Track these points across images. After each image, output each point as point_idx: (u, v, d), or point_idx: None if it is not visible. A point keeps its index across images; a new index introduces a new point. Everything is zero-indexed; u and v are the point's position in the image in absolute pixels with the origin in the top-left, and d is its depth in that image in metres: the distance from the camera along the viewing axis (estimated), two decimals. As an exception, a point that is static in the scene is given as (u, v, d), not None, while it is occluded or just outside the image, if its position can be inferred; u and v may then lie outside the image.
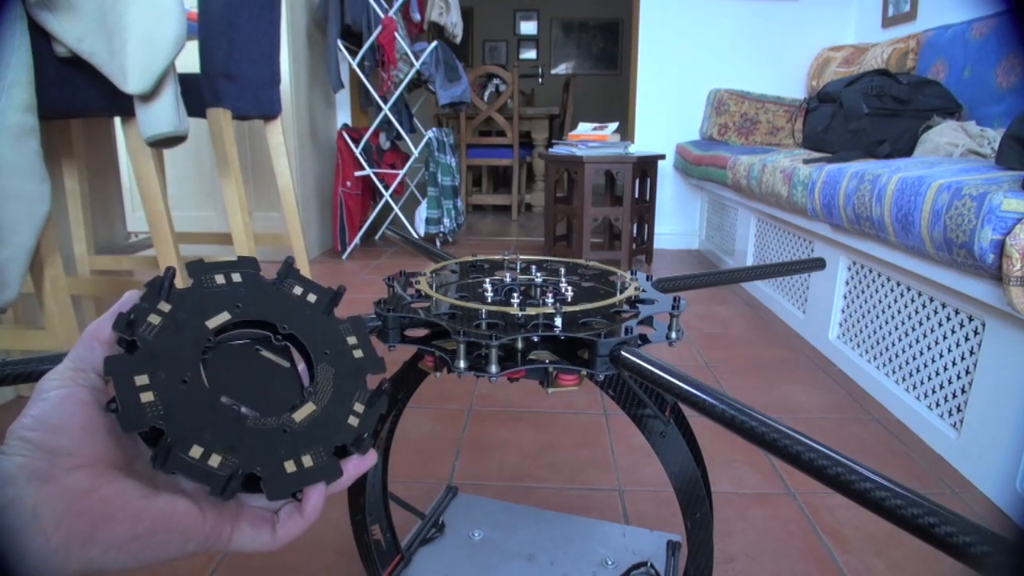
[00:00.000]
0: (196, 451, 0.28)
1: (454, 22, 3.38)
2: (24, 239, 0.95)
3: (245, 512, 0.32)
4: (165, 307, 0.31)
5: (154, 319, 0.31)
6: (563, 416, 1.34)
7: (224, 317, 0.33)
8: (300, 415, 0.32)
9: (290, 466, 0.30)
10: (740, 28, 3.06)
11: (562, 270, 0.63)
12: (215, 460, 0.28)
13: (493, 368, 0.44)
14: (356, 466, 0.33)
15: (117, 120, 1.45)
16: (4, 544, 0.25)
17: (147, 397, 0.28)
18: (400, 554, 0.76)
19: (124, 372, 0.28)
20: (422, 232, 3.04)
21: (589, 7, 7.18)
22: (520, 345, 0.46)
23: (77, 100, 1.11)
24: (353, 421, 0.33)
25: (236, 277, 0.34)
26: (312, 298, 0.36)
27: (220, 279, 0.34)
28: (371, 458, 0.34)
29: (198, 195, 2.72)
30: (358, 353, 0.36)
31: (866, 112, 1.93)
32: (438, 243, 3.04)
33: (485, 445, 1.21)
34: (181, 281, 0.32)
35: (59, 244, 1.09)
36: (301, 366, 0.35)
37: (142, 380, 0.29)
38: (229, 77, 1.34)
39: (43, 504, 0.25)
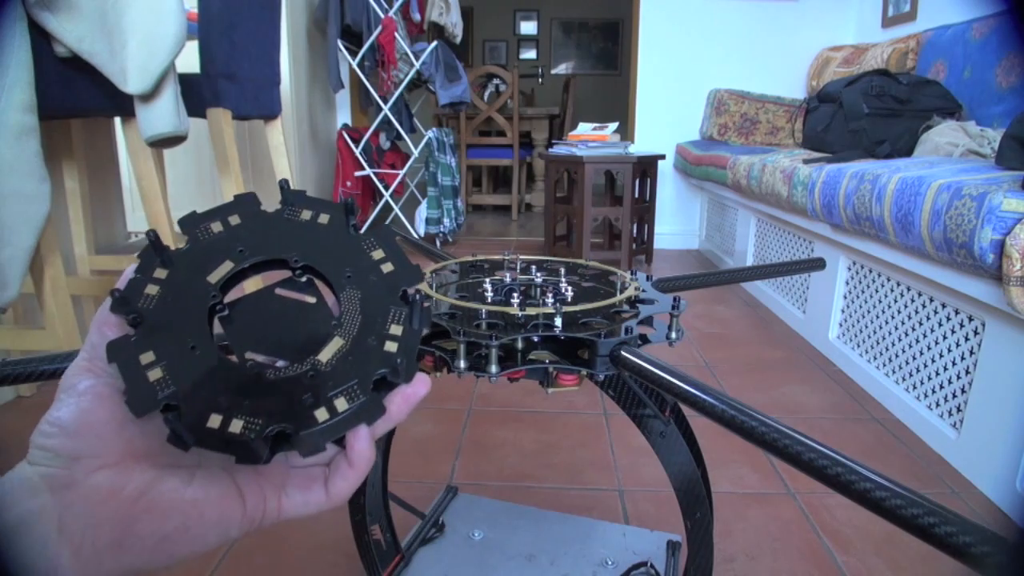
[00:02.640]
0: (215, 420, 0.26)
1: (454, 22, 3.39)
2: (24, 239, 0.95)
3: (292, 476, 0.29)
4: (162, 273, 0.29)
5: (151, 289, 0.28)
6: (563, 416, 1.34)
7: (227, 267, 0.29)
8: (326, 354, 0.28)
9: (322, 414, 0.27)
10: (740, 28, 3.06)
11: (562, 270, 0.63)
12: (236, 426, 0.26)
13: (493, 368, 0.44)
14: (405, 399, 0.29)
15: (117, 120, 1.45)
16: (35, 555, 0.24)
17: (155, 374, 0.26)
18: (400, 554, 0.76)
19: (127, 354, 0.26)
20: (422, 232, 3.04)
21: (589, 7, 7.18)
22: (520, 345, 0.46)
23: (77, 100, 1.11)
24: (391, 347, 0.29)
25: (234, 219, 0.31)
26: (324, 218, 0.32)
27: (217, 226, 0.30)
28: (421, 386, 0.29)
29: (198, 195, 2.72)
30: (387, 267, 0.31)
31: (866, 112, 1.93)
32: (438, 243, 3.04)
33: (485, 445, 1.21)
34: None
35: (59, 244, 1.09)
36: (334, 299, 0.31)
37: (148, 358, 0.26)
38: (229, 77, 1.34)
39: (68, 514, 0.24)
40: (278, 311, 0.30)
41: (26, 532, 0.24)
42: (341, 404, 0.27)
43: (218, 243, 0.30)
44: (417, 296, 0.30)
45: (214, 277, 0.29)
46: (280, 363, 0.29)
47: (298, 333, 0.29)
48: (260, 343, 0.29)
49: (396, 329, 0.29)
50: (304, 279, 0.31)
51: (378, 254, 0.31)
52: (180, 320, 0.28)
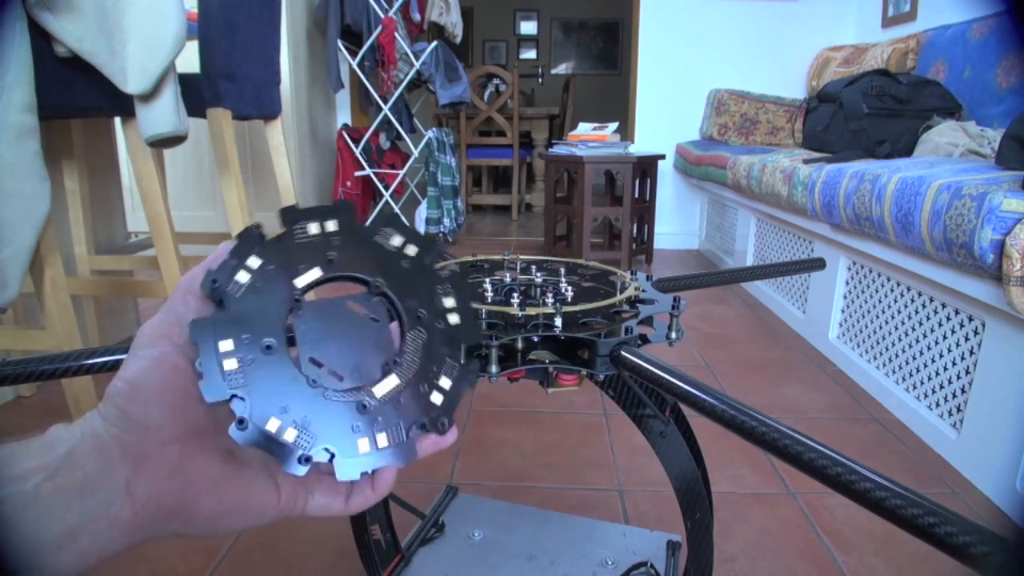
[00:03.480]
0: (273, 424, 0.28)
1: (454, 22, 3.39)
2: (24, 239, 0.95)
3: (321, 481, 0.32)
4: (255, 262, 0.30)
5: (242, 276, 0.29)
6: (563, 416, 1.34)
7: (315, 274, 0.31)
8: (381, 389, 0.30)
9: (364, 445, 0.29)
10: (740, 28, 3.06)
11: (562, 270, 0.63)
12: (290, 434, 0.28)
13: (493, 368, 0.44)
14: (433, 444, 0.32)
15: (117, 120, 1.45)
16: (97, 512, 0.26)
17: (230, 364, 0.28)
18: (400, 554, 0.76)
19: (208, 337, 0.28)
20: (422, 232, 3.03)
21: (589, 7, 7.18)
22: (520, 345, 0.46)
23: (77, 100, 1.11)
24: (436, 398, 0.31)
25: (331, 225, 0.32)
26: (412, 250, 0.33)
27: (314, 228, 0.31)
28: (450, 436, 0.32)
29: (198, 195, 2.72)
30: (454, 319, 0.33)
31: (866, 112, 1.93)
32: (445, 246, 3.04)
33: (485, 445, 1.21)
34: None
35: (59, 244, 1.08)
36: (395, 323, 0.32)
37: (226, 346, 0.28)
38: (229, 77, 1.34)
39: (135, 481, 0.27)
40: (345, 324, 0.31)
41: (95, 488, 0.26)
42: (382, 440, 0.30)
43: (311, 246, 0.31)
44: (470, 363, 0.32)
45: (301, 281, 0.30)
46: (325, 368, 0.30)
47: (357, 351, 0.31)
48: (322, 351, 0.30)
49: (445, 382, 0.32)
50: (376, 301, 0.32)
51: (449, 302, 0.33)
52: (262, 316, 0.29)
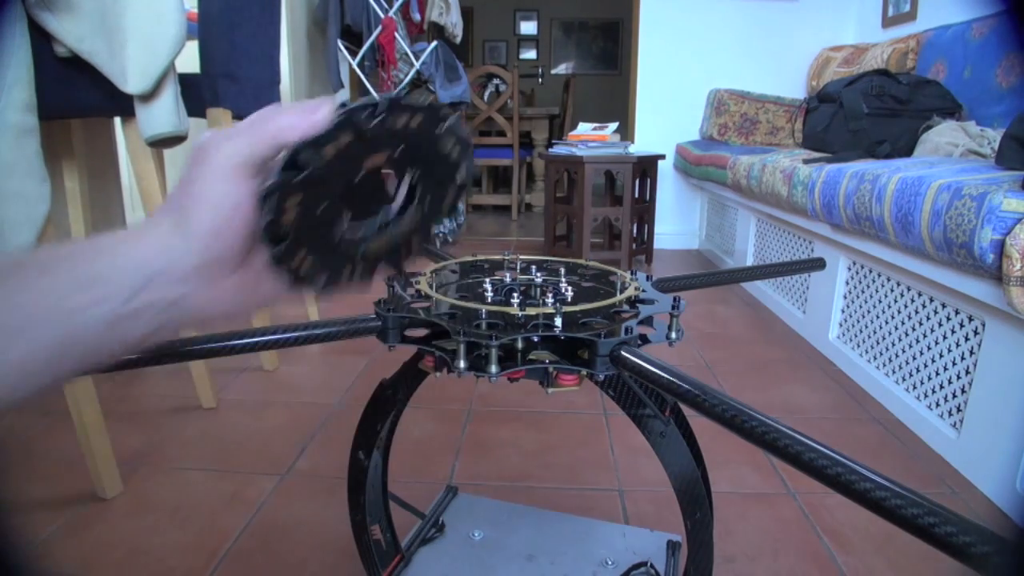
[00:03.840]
0: (299, 257, 0.33)
1: (454, 22, 3.39)
2: (24, 239, 0.95)
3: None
4: (346, 138, 0.32)
5: (330, 151, 0.32)
6: (563, 416, 1.34)
7: (381, 159, 0.34)
8: (374, 245, 0.36)
9: (346, 274, 0.36)
10: (740, 28, 3.06)
11: (562, 270, 0.63)
12: (306, 266, 0.34)
13: (493, 368, 0.44)
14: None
15: (117, 120, 1.45)
16: (164, 328, 0.31)
17: (289, 217, 0.32)
18: (400, 554, 0.76)
19: (282, 193, 0.31)
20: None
21: (589, 7, 7.18)
22: (520, 345, 0.46)
23: (77, 100, 1.11)
24: (404, 252, 0.38)
25: (416, 120, 0.35)
26: (456, 153, 0.37)
27: (402, 120, 0.34)
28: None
29: (198, 195, 2.72)
30: (447, 204, 0.39)
31: (866, 112, 1.93)
32: (438, 243, 3.03)
33: (485, 445, 1.21)
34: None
35: (59, 244, 1.08)
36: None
37: (294, 200, 0.32)
38: (229, 77, 1.34)
39: (203, 305, 0.32)
40: (371, 183, 0.35)
41: (169, 311, 0.31)
42: (356, 277, 0.36)
43: (391, 134, 0.34)
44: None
45: (370, 163, 0.34)
46: (346, 209, 0.35)
47: (366, 201, 0.36)
48: (350, 195, 0.34)
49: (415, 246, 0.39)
50: (408, 187, 0.37)
51: (450, 198, 0.39)
52: (329, 187, 0.33)
